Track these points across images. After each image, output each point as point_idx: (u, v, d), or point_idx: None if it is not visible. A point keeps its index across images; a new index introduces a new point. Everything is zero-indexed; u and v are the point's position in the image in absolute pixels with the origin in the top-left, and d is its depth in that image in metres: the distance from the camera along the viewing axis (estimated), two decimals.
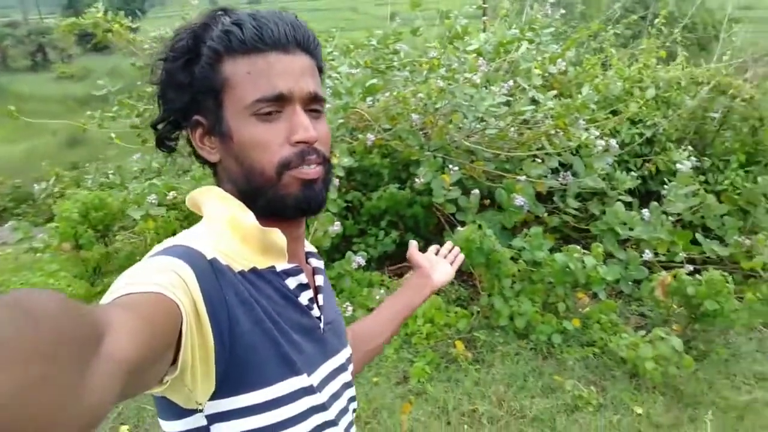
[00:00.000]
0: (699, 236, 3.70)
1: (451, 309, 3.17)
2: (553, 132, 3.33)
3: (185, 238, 0.67)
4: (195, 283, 0.59)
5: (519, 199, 3.24)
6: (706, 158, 4.21)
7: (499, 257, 2.94)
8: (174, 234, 2.77)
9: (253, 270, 0.69)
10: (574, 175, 3.55)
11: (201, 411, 0.64)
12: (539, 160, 3.43)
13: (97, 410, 0.36)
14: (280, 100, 0.68)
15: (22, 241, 3.82)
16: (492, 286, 3.08)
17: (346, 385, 0.80)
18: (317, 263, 0.82)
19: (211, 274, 0.62)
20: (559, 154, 3.56)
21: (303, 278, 0.73)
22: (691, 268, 3.35)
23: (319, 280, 0.80)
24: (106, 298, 0.54)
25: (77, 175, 6.10)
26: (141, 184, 3.40)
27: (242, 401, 0.64)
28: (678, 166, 3.49)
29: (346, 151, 3.29)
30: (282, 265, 0.72)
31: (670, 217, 3.60)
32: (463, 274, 3.57)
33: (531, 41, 4.30)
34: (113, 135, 4.87)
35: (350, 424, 0.80)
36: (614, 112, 4.13)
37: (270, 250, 0.70)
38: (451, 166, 3.41)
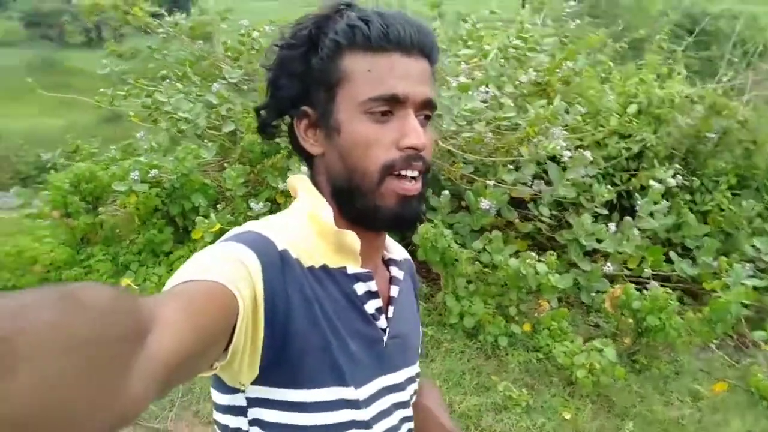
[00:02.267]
0: (672, 254, 3.69)
1: None
2: (527, 139, 3.37)
3: (264, 224, 0.68)
4: (259, 274, 0.59)
5: (485, 203, 3.29)
6: (696, 178, 4.18)
7: (454, 256, 3.01)
8: (155, 210, 2.92)
9: (324, 267, 0.68)
10: (550, 183, 3.59)
11: (243, 392, 0.65)
12: (511, 167, 3.47)
13: (133, 406, 0.36)
14: (395, 102, 0.66)
15: (23, 207, 4.08)
16: (447, 284, 3.16)
17: (400, 405, 0.77)
18: (397, 273, 0.79)
19: (278, 267, 0.62)
20: (540, 163, 3.60)
21: (373, 286, 0.71)
22: (656, 284, 3.37)
23: (394, 290, 0.77)
24: (170, 281, 0.55)
25: (99, 148, 6.38)
26: (127, 161, 3.59)
27: (283, 395, 0.64)
28: (651, 182, 3.49)
29: None
30: (354, 268, 0.70)
31: (645, 233, 3.61)
32: (431, 273, 3.65)
33: (533, 49, 4.36)
34: (131, 113, 5.12)
35: None
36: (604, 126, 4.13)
37: (344, 250, 0.69)
38: None
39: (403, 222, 0.69)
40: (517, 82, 3.54)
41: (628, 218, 3.53)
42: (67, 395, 0.31)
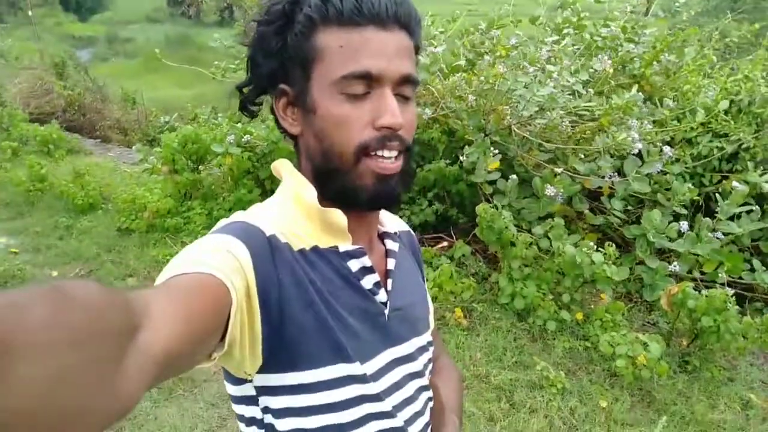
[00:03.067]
0: (756, 263, 3.49)
1: (465, 281, 3.38)
2: (601, 130, 3.33)
3: (251, 213, 0.68)
4: (249, 263, 0.59)
5: (550, 189, 3.31)
6: None
7: (510, 238, 3.08)
8: (248, 172, 3.30)
9: (315, 249, 0.68)
10: (625, 176, 3.51)
11: (250, 381, 0.66)
12: (582, 157, 3.45)
13: (127, 401, 0.37)
14: (369, 80, 0.64)
15: (141, 162, 4.68)
16: (504, 265, 3.24)
17: (414, 375, 0.77)
18: (392, 245, 0.79)
19: (267, 253, 0.62)
20: (622, 157, 3.53)
21: (366, 261, 0.71)
22: (729, 290, 3.23)
23: (391, 263, 0.77)
24: (162, 276, 0.55)
25: (212, 116, 7.02)
26: (227, 126, 4.01)
27: (289, 379, 0.64)
28: (734, 184, 3.31)
29: None
30: (345, 245, 0.70)
31: (728, 237, 3.44)
32: (489, 253, 3.73)
33: (630, 40, 4.25)
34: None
35: (416, 415, 0.76)
36: (704, 123, 3.95)
37: (332, 228, 0.69)
38: (493, 149, 3.56)
39: (381, 201, 0.69)
40: (591, 70, 3.49)
41: (706, 219, 3.39)
42: (62, 391, 0.31)
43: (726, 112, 3.96)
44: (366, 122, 0.65)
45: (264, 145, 3.94)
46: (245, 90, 0.74)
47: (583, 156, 3.46)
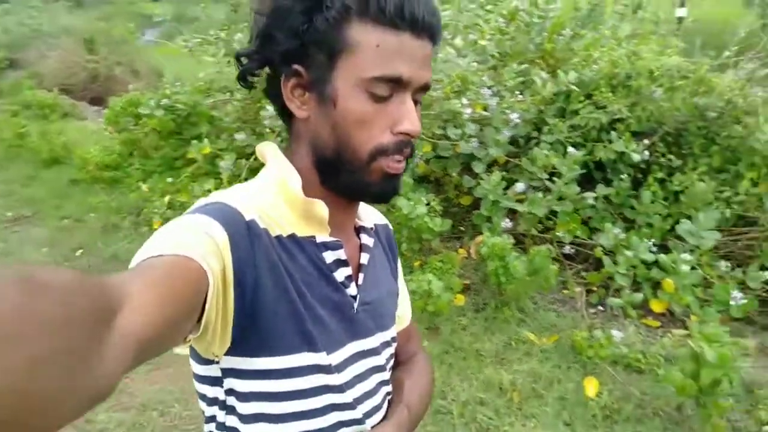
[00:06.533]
0: (605, 225, 3.73)
1: None
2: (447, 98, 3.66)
3: (231, 194, 0.68)
4: (227, 246, 0.59)
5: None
6: (674, 156, 4.02)
7: None
8: (175, 133, 3.80)
9: (292, 236, 0.68)
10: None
11: (217, 362, 0.66)
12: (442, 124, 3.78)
13: (105, 385, 0.37)
14: (396, 84, 0.65)
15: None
16: None
17: (376, 369, 0.79)
18: (367, 240, 0.80)
19: (245, 236, 0.62)
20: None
21: (342, 254, 0.72)
22: (569, 248, 3.53)
23: (364, 258, 0.78)
24: (137, 256, 0.54)
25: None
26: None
27: (255, 364, 0.65)
28: (570, 149, 3.56)
29: None
30: (322, 236, 0.71)
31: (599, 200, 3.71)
32: None
33: (542, 17, 4.48)
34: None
35: (375, 409, 0.78)
36: (589, 96, 4.18)
37: (312, 219, 0.70)
38: None
39: (384, 197, 0.72)
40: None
41: (551, 183, 3.65)
42: (39, 378, 0.31)
43: (612, 84, 4.15)
44: (386, 125, 0.66)
45: (183, 108, 4.48)
46: (244, 60, 0.71)
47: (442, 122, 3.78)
